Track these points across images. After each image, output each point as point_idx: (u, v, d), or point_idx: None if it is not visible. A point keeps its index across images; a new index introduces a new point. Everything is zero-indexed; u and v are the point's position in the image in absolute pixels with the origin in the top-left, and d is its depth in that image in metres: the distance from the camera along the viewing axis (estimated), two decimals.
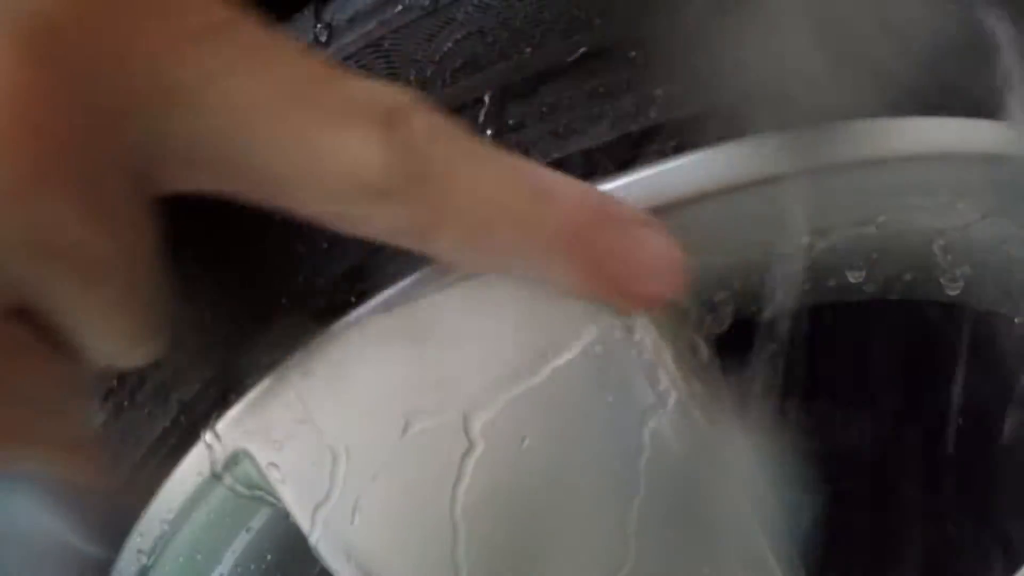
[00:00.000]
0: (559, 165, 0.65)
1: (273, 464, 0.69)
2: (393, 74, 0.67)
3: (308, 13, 0.70)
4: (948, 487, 0.98)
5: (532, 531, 0.70)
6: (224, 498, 0.73)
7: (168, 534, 0.74)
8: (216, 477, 0.72)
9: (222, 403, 0.71)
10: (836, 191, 0.67)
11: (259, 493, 0.71)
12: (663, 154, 0.65)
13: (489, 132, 0.66)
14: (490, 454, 0.68)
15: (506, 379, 0.67)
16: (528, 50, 0.65)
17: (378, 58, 0.67)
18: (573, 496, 0.69)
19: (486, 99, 0.66)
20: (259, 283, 0.70)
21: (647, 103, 0.65)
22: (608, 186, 0.65)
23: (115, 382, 0.74)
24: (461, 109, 0.66)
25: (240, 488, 0.72)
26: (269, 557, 0.74)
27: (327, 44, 0.68)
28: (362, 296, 0.67)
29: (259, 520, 0.73)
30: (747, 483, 0.71)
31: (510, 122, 0.66)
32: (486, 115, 0.66)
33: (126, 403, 0.74)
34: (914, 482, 0.98)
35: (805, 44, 0.63)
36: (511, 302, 0.66)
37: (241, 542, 0.73)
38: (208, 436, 0.71)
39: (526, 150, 0.66)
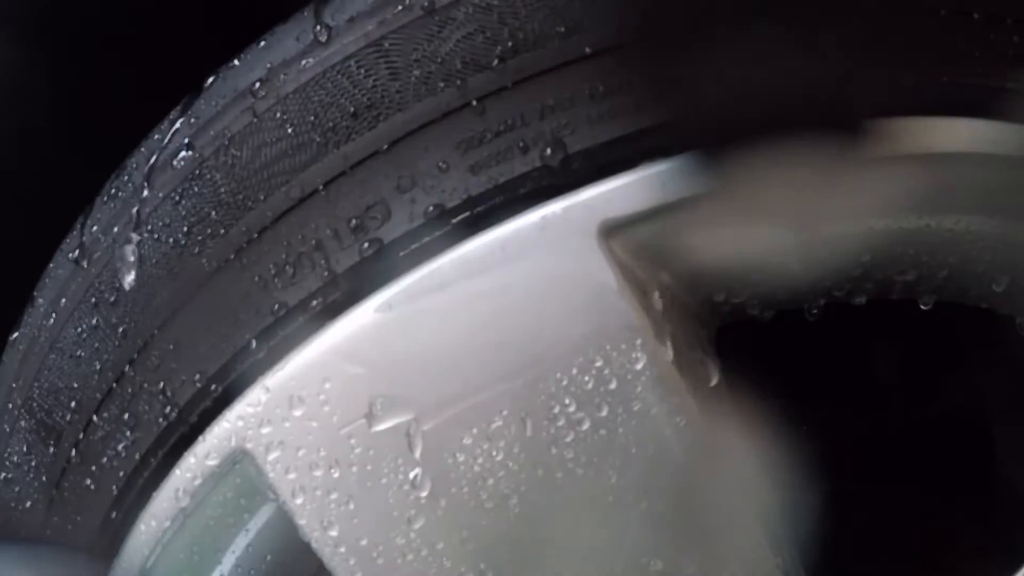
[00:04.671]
0: (560, 165, 0.65)
1: (272, 462, 0.69)
2: (393, 74, 0.67)
3: (308, 13, 0.69)
4: (948, 487, 0.98)
5: (531, 531, 0.70)
6: (224, 498, 0.73)
7: (168, 534, 0.74)
8: (216, 477, 0.72)
9: (222, 403, 0.71)
10: (835, 191, 0.67)
11: (259, 492, 0.71)
12: (664, 154, 0.65)
13: (489, 133, 0.66)
14: (489, 452, 0.68)
15: (507, 378, 0.67)
16: (528, 51, 0.65)
17: (378, 58, 0.67)
18: (574, 497, 0.69)
19: (486, 99, 0.66)
20: (256, 284, 0.70)
21: (647, 103, 0.65)
22: (608, 186, 0.65)
23: (114, 383, 0.74)
24: (460, 109, 0.66)
25: (240, 487, 0.72)
26: (269, 557, 0.74)
27: (327, 44, 0.68)
28: (354, 299, 0.68)
29: (259, 520, 0.73)
30: (747, 484, 0.71)
31: (510, 122, 0.66)
32: (486, 115, 0.66)
33: (126, 403, 0.74)
34: (914, 482, 0.98)
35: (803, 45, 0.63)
36: (514, 302, 0.66)
37: (241, 542, 0.73)
38: (208, 436, 0.71)
39: (525, 149, 0.66)
